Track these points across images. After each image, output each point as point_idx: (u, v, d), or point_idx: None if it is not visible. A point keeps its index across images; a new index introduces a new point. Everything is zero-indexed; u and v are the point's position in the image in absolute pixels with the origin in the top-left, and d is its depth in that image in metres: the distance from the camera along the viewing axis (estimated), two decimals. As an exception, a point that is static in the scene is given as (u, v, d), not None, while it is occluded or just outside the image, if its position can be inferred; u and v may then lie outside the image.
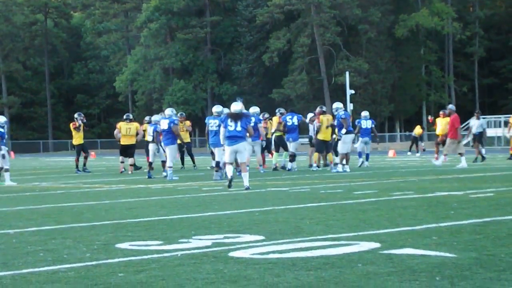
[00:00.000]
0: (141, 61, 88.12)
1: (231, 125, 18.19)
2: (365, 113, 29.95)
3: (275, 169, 27.04)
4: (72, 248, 8.94)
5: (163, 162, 25.66)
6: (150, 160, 26.01)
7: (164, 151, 24.51)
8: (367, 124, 29.23)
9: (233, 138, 18.17)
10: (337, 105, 25.81)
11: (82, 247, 8.99)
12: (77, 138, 29.87)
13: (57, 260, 8.12)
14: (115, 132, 29.29)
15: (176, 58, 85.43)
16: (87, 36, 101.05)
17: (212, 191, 17.66)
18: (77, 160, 30.32)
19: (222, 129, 18.55)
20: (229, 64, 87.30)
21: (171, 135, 23.64)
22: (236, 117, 18.30)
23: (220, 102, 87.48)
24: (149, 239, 9.47)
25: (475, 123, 32.12)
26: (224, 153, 19.24)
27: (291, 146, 27.08)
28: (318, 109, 27.19)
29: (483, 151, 31.90)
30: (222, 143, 19.25)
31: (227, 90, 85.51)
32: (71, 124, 30.08)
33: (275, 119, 28.03)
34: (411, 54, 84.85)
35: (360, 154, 29.33)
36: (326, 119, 26.54)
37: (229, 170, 18.20)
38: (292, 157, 26.98)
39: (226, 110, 23.94)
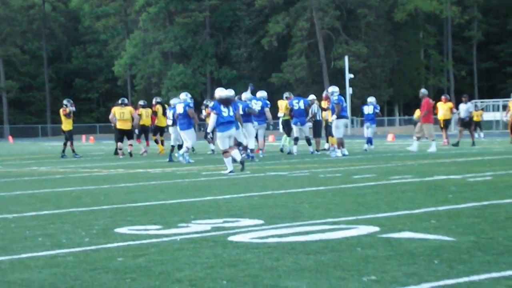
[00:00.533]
0: (140, 45, 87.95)
1: (225, 111, 18.28)
2: (370, 99, 30.29)
3: (282, 150, 27.38)
4: (71, 233, 8.94)
5: (172, 147, 25.91)
6: (172, 143, 26.19)
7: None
8: (369, 109, 29.51)
9: (228, 124, 18.29)
10: (333, 89, 25.79)
11: (81, 232, 8.99)
12: (67, 125, 30.06)
13: (56, 245, 8.13)
14: (110, 116, 29.45)
15: (175, 42, 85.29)
16: (85, 20, 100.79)
17: (211, 176, 17.67)
18: (65, 145, 30.80)
19: (213, 116, 18.52)
20: (228, 48, 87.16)
21: (187, 119, 23.76)
22: (228, 102, 18.42)
23: (219, 87, 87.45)
24: (148, 224, 9.47)
25: (463, 108, 32.06)
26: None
27: (304, 131, 27.18)
28: (325, 93, 27.51)
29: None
30: (209, 130, 19.40)
31: (226, 74, 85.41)
32: (61, 110, 30.22)
33: (282, 103, 28.18)
34: (410, 38, 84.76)
35: (370, 140, 29.68)
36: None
37: (236, 154, 18.32)
38: (308, 141, 27.32)
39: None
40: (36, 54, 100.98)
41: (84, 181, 17.30)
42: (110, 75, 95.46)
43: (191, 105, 23.96)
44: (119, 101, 29.65)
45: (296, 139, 27.13)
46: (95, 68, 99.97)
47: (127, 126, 28.97)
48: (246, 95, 24.49)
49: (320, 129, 28.58)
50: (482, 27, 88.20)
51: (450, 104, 33.83)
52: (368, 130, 29.66)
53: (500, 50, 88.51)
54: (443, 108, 32.77)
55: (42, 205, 12.28)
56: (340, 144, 25.16)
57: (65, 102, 30.65)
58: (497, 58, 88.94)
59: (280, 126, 28.66)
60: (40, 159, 29.95)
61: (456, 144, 30.53)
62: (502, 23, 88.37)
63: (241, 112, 22.69)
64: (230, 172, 17.97)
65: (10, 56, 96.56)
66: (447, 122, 33.45)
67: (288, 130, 28.14)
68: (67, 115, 29.86)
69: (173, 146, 26.08)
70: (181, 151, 23.95)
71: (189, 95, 24.98)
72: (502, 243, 7.39)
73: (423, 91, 28.61)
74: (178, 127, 24.23)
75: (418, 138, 27.38)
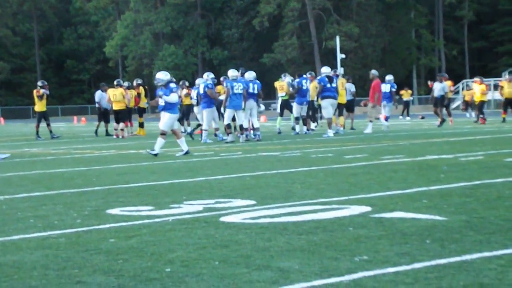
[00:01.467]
0: (131, 26, 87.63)
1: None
2: (388, 77, 30.44)
3: (280, 133, 27.35)
4: (63, 214, 8.93)
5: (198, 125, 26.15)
6: (200, 122, 26.35)
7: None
8: (385, 88, 29.69)
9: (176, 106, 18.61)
10: (325, 69, 26.16)
11: (72, 213, 8.98)
12: (40, 106, 30.12)
13: (48, 226, 8.12)
14: (107, 99, 29.96)
15: (166, 23, 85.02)
16: (76, 1, 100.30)
17: (203, 156, 17.65)
18: (38, 126, 31.06)
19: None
20: (219, 29, 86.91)
21: (207, 98, 23.99)
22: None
23: (211, 67, 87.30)
24: (140, 205, 9.47)
25: (437, 87, 31.70)
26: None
27: (304, 110, 27.28)
28: (332, 73, 27.68)
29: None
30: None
31: (218, 55, 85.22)
32: (34, 91, 30.21)
33: (281, 84, 28.23)
34: (401, 18, 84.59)
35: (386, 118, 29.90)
36: (341, 82, 27.44)
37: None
38: (305, 121, 27.53)
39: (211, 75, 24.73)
40: (27, 36, 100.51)
41: (76, 163, 17.26)
42: (101, 56, 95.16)
43: (210, 86, 24.12)
44: (115, 83, 30.00)
45: (298, 118, 27.21)
46: (86, 49, 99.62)
47: (119, 106, 29.24)
48: (232, 73, 24.41)
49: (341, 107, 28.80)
50: (473, 7, 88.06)
51: (449, 83, 34.05)
52: (385, 109, 29.89)
53: (491, 29, 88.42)
54: (479, 90, 32.93)
55: (34, 186, 12.26)
56: (330, 124, 25.35)
57: (39, 83, 30.68)
58: (488, 37, 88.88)
59: (278, 107, 28.72)
60: (31, 141, 29.88)
61: (442, 122, 30.44)
62: (493, 2, 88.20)
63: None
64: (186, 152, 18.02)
65: (1, 37, 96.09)
66: (482, 103, 33.33)
67: (287, 109, 28.24)
68: (40, 97, 29.85)
69: (199, 125, 26.12)
70: (203, 133, 24.01)
71: (211, 75, 25.01)
72: (494, 223, 7.40)
73: (373, 72, 28.52)
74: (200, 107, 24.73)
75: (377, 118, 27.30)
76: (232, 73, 23.74)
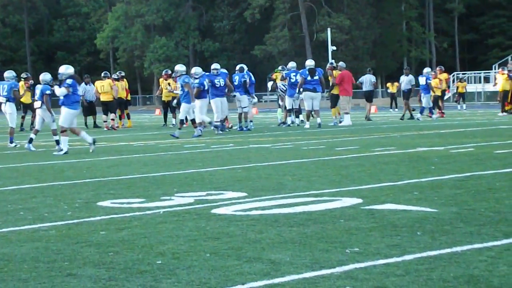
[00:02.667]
0: (122, 18, 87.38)
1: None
2: (425, 70, 31.49)
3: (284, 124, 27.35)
4: (53, 207, 8.91)
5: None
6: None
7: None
8: (422, 80, 30.45)
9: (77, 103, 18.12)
10: (309, 62, 26.88)
11: (63, 205, 8.96)
12: (27, 97, 30.06)
13: (38, 219, 8.09)
14: (94, 91, 30.13)
15: (158, 15, 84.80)
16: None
17: (194, 148, 17.63)
18: (23, 118, 31.21)
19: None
20: (210, 21, 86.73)
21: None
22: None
23: (202, 59, 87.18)
24: (131, 197, 9.45)
25: (404, 80, 31.62)
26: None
27: (296, 103, 27.34)
28: (328, 65, 28.60)
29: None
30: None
31: (209, 47, 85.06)
32: (22, 83, 30.02)
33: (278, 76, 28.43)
34: (392, 10, 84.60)
35: (422, 109, 30.62)
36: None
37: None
38: (297, 113, 27.77)
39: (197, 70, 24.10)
40: (17, 27, 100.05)
41: (67, 154, 17.21)
42: (92, 48, 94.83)
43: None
44: (102, 74, 30.05)
45: (290, 111, 27.32)
46: (77, 41, 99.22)
47: (106, 97, 29.37)
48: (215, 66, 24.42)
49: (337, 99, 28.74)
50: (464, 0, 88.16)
51: (445, 75, 34.16)
52: (423, 100, 30.55)
53: (482, 22, 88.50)
54: (503, 79, 33.10)
55: (24, 178, 12.22)
56: (308, 116, 26.07)
57: (24, 75, 30.54)
58: (479, 30, 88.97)
59: (280, 99, 28.73)
60: (21, 132, 29.77)
61: (411, 117, 30.39)
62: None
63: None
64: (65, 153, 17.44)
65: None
66: (506, 93, 33.40)
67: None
68: (28, 88, 29.76)
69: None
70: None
71: (218, 66, 24.94)
72: (484, 214, 7.42)
73: (341, 64, 28.63)
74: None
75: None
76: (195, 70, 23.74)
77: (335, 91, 27.63)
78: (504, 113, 32.30)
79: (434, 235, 6.49)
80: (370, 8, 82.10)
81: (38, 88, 19.85)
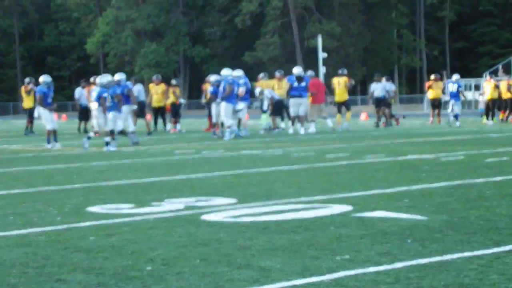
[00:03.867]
0: (113, 23, 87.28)
1: None
2: (455, 76, 31.91)
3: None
4: (43, 212, 8.87)
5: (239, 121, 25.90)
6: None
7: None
8: (453, 87, 30.81)
9: None
10: (296, 70, 27.18)
11: (52, 211, 8.93)
12: (28, 102, 30.02)
13: (27, 224, 8.06)
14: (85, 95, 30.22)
15: (148, 20, 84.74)
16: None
17: (185, 154, 17.61)
18: (29, 122, 30.96)
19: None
20: (201, 27, 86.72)
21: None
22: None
23: (193, 65, 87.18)
24: (121, 202, 9.42)
25: (377, 87, 31.34)
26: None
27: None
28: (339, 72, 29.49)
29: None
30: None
31: (200, 53, 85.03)
32: (23, 87, 30.00)
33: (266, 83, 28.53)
34: (383, 17, 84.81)
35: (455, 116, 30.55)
36: (338, 81, 28.81)
37: None
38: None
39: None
40: (7, 32, 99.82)
41: (57, 160, 17.18)
42: (82, 53, 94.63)
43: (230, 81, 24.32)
44: (91, 80, 29.86)
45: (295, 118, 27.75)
46: (67, 45, 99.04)
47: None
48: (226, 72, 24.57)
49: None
50: (454, 7, 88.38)
51: (440, 83, 34.28)
52: (454, 107, 30.65)
53: (472, 30, 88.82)
54: (490, 88, 33.31)
55: (14, 183, 12.18)
56: (293, 120, 26.41)
57: (27, 79, 30.55)
58: (469, 38, 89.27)
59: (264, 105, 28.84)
60: (11, 137, 29.71)
61: (386, 124, 30.36)
62: (474, 3, 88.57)
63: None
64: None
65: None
66: (494, 102, 33.55)
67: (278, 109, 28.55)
68: (28, 92, 29.74)
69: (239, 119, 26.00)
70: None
71: (230, 72, 25.03)
72: (475, 222, 7.42)
73: (309, 73, 28.80)
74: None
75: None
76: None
77: (340, 99, 28.60)
78: (490, 121, 32.43)
79: (424, 243, 6.49)
80: (361, 15, 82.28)
81: (95, 91, 20.77)
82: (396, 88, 31.14)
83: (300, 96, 26.10)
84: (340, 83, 28.86)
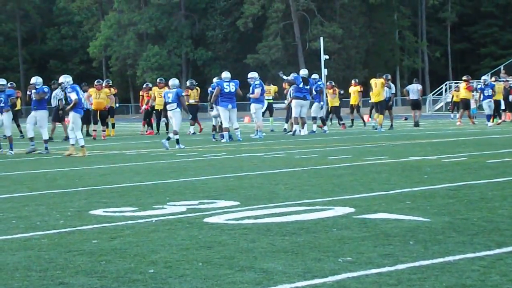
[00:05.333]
0: (115, 26, 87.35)
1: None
2: (491, 78, 33.76)
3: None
4: (45, 215, 8.89)
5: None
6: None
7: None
8: (489, 92, 32.05)
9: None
10: (303, 71, 27.63)
11: (55, 214, 8.94)
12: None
13: (30, 227, 8.07)
14: (86, 96, 30.06)
15: (150, 24, 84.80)
16: (60, 1, 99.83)
17: (187, 157, 17.62)
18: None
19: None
20: (203, 30, 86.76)
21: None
22: None
23: (195, 68, 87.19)
24: (123, 206, 9.43)
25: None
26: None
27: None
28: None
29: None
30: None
31: (202, 56, 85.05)
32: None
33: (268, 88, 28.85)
34: (385, 19, 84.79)
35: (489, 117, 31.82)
36: (375, 82, 29.69)
37: None
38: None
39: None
40: (10, 36, 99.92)
41: (59, 163, 17.20)
42: (85, 57, 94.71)
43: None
44: (95, 83, 30.02)
45: (315, 118, 28.73)
46: (69, 49, 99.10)
47: (101, 106, 29.36)
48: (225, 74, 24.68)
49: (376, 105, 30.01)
50: (456, 9, 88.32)
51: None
52: (489, 109, 32.00)
53: (474, 31, 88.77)
54: (499, 89, 33.96)
55: (16, 187, 12.19)
56: (296, 123, 26.44)
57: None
58: (471, 39, 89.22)
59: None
60: (14, 141, 29.66)
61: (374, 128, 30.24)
62: (476, 4, 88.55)
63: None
64: None
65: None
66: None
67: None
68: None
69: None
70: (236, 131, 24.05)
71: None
72: (477, 224, 7.43)
73: (313, 76, 29.14)
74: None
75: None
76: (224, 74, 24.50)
77: (376, 99, 29.16)
78: (461, 122, 33.07)
79: (426, 245, 6.49)
80: (363, 17, 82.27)
81: (171, 92, 21.30)
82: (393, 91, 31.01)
83: (305, 98, 26.20)
84: (377, 84, 29.59)
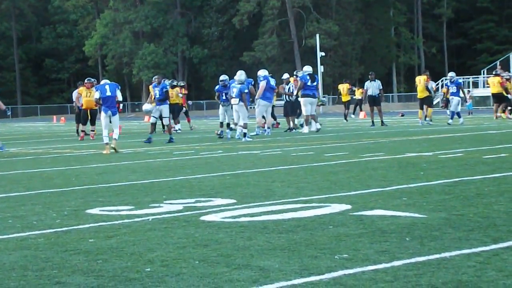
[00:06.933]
0: (111, 25, 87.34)
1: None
2: (450, 74, 32.80)
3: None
4: (42, 214, 8.88)
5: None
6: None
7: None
8: (453, 89, 31.02)
9: None
10: (307, 68, 27.18)
11: (51, 213, 8.94)
12: None
13: (26, 227, 8.07)
14: (76, 96, 29.78)
15: (146, 22, 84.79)
16: (55, 0, 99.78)
17: (183, 155, 17.62)
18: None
19: None
20: (199, 27, 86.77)
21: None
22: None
23: (191, 66, 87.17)
24: (120, 204, 9.44)
25: (371, 85, 30.94)
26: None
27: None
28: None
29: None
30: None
31: (198, 54, 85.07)
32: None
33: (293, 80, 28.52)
34: (381, 16, 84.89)
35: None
36: (419, 79, 31.13)
37: None
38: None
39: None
40: (5, 35, 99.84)
41: (55, 162, 17.19)
42: (80, 55, 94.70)
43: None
44: (86, 81, 29.25)
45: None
46: (65, 48, 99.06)
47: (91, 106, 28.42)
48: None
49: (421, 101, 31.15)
50: (452, 5, 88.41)
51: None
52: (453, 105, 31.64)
53: (470, 27, 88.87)
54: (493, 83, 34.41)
55: (12, 186, 12.19)
56: (307, 121, 26.04)
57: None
58: (467, 35, 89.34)
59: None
60: (10, 140, 29.71)
61: (373, 124, 29.95)
62: (472, 0, 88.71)
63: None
64: None
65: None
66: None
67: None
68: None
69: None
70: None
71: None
72: (473, 220, 7.44)
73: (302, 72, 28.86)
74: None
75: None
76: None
77: (421, 95, 30.46)
78: (502, 115, 33.59)
79: (422, 241, 6.50)
80: (359, 14, 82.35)
81: (236, 87, 22.88)
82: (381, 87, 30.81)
83: (314, 95, 26.05)
84: (421, 81, 30.75)
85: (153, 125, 24.56)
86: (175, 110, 30.35)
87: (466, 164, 12.86)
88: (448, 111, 30.59)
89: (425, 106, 30.62)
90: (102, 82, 20.76)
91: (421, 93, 30.68)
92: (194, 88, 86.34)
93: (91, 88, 28.41)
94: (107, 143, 19.28)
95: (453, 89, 30.59)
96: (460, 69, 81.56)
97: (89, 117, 28.67)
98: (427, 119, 30.02)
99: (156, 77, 25.46)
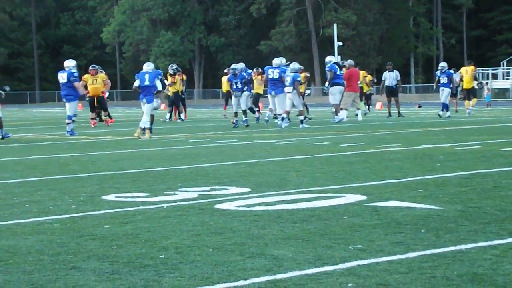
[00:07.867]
0: (128, 12, 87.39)
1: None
2: (442, 64, 32.46)
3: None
4: (58, 200, 8.92)
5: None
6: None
7: None
8: (444, 79, 30.38)
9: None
10: (329, 58, 26.81)
11: (68, 199, 8.97)
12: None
13: (43, 212, 8.11)
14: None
15: (164, 9, 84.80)
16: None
17: (199, 143, 17.64)
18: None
19: None
20: (216, 16, 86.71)
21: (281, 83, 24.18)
22: None
23: (208, 54, 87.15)
24: (135, 191, 9.46)
25: (388, 76, 30.77)
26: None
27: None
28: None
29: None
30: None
31: (215, 42, 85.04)
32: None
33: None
34: (399, 5, 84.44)
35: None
36: (465, 70, 31.95)
37: None
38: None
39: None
40: (24, 20, 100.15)
41: (72, 148, 17.25)
42: (98, 42, 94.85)
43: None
44: (90, 68, 28.87)
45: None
46: (83, 35, 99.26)
47: (97, 93, 28.09)
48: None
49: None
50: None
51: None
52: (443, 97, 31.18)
53: (490, 18, 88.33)
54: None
55: (30, 171, 12.24)
56: (337, 109, 25.70)
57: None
58: (487, 26, 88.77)
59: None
60: (28, 126, 29.84)
61: (399, 115, 29.72)
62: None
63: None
64: None
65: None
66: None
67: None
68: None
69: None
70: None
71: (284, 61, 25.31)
72: (489, 212, 7.41)
73: (349, 61, 28.61)
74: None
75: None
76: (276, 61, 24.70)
77: (467, 86, 31.36)
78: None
79: (438, 233, 6.48)
80: (377, 4, 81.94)
81: (289, 76, 22.96)
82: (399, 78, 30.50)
83: (343, 84, 25.93)
84: (467, 71, 31.45)
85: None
86: (176, 99, 30.12)
87: (483, 157, 12.79)
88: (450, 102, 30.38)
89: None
90: (145, 68, 20.40)
91: (467, 84, 31.37)
92: (210, 76, 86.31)
93: (95, 75, 28.18)
94: (140, 128, 19.73)
95: (444, 79, 29.01)
96: (480, 61, 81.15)
97: (97, 104, 28.13)
98: (470, 108, 30.61)
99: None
